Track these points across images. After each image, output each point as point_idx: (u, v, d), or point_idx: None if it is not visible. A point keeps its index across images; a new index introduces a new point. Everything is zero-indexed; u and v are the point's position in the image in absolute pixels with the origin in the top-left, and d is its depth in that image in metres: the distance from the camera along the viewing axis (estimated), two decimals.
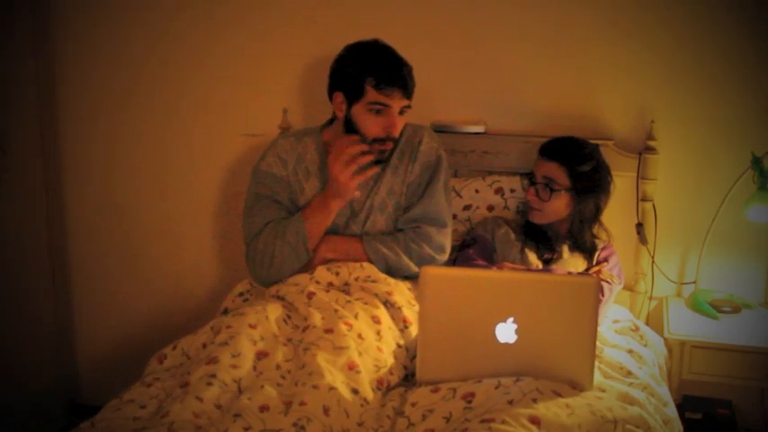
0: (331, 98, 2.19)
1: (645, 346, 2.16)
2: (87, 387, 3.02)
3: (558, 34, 2.46)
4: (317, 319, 1.87)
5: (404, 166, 2.23)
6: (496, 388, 1.61)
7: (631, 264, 2.45)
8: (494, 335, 1.66)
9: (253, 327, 1.83)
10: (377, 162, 2.17)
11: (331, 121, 2.28)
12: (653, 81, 2.42)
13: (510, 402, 1.54)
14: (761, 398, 2.43)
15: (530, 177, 2.29)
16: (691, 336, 2.23)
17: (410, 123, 2.25)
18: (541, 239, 2.28)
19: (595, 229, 2.31)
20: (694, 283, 2.47)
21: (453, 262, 2.34)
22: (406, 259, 2.15)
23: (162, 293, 2.88)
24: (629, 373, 1.91)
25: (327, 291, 2.04)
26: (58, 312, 2.93)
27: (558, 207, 2.23)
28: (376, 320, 1.91)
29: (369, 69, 2.08)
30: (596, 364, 1.80)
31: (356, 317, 1.89)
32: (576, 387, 1.64)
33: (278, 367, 1.74)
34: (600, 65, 2.45)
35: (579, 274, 2.20)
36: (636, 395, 1.73)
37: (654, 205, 2.41)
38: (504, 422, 1.46)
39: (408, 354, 1.90)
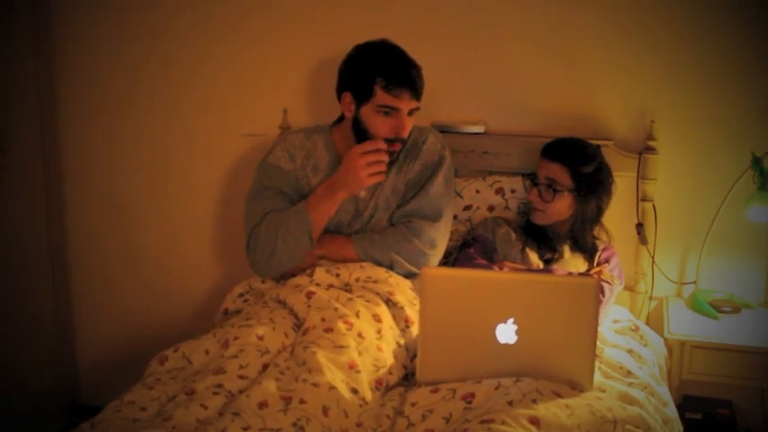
0: (339, 98, 2.18)
1: (645, 346, 2.16)
2: (87, 387, 3.02)
3: (559, 34, 2.46)
4: (316, 319, 1.87)
5: (407, 166, 2.24)
6: (496, 388, 1.61)
7: (631, 264, 2.45)
8: (494, 335, 1.66)
9: (260, 338, 1.82)
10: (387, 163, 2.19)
11: (340, 120, 2.28)
12: (653, 81, 2.42)
13: (510, 403, 1.54)
14: (761, 398, 2.43)
15: (532, 178, 2.30)
16: (691, 336, 2.23)
17: (418, 125, 2.25)
18: (542, 239, 2.28)
19: (596, 231, 2.31)
20: (694, 283, 2.47)
21: (454, 261, 2.34)
22: (396, 257, 2.14)
23: (162, 293, 2.88)
24: (629, 373, 1.91)
25: (327, 290, 2.03)
26: (58, 312, 2.93)
27: (560, 208, 2.24)
28: (377, 319, 1.91)
29: (378, 70, 2.07)
30: (596, 364, 1.80)
31: (357, 314, 1.89)
32: (576, 388, 1.64)
33: (276, 365, 1.74)
34: (600, 65, 2.45)
35: (580, 274, 2.20)
36: (636, 395, 1.73)
37: (654, 205, 2.41)
38: (503, 423, 1.46)
39: (409, 353, 1.90)
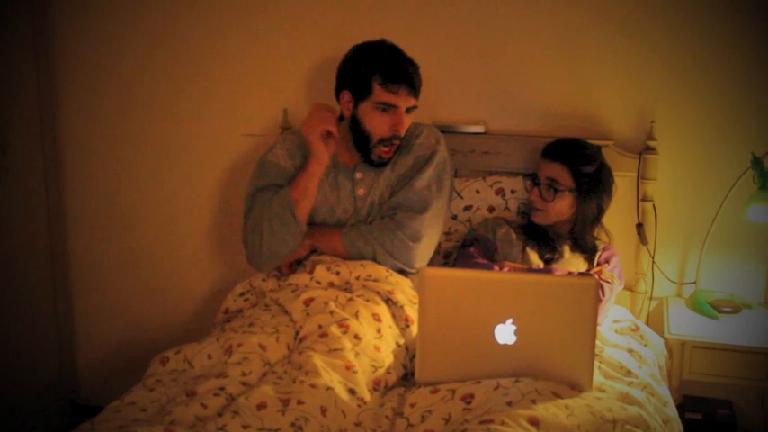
0: (338, 97, 2.20)
1: (645, 346, 2.16)
2: (87, 387, 3.02)
3: (559, 34, 2.46)
4: (312, 326, 1.87)
5: (401, 161, 2.24)
6: (495, 389, 1.61)
7: (631, 264, 2.45)
8: (493, 336, 1.66)
9: (263, 348, 1.82)
10: (382, 163, 2.20)
11: (340, 119, 2.28)
12: (653, 81, 2.42)
13: (509, 403, 1.54)
14: (761, 398, 2.43)
15: (533, 178, 2.30)
16: (691, 336, 2.23)
17: (415, 122, 2.25)
18: (543, 239, 2.28)
19: (596, 231, 2.31)
20: (694, 283, 2.47)
21: (454, 261, 2.34)
22: (379, 249, 2.14)
23: (162, 293, 2.88)
24: (630, 373, 1.90)
25: (326, 290, 2.04)
26: (58, 312, 2.93)
27: (561, 208, 2.24)
28: (377, 318, 1.92)
29: (375, 67, 2.10)
30: (596, 363, 1.80)
31: (357, 314, 1.89)
32: (576, 388, 1.64)
33: (274, 371, 1.74)
34: (600, 65, 2.45)
35: (580, 274, 2.20)
36: (636, 395, 1.73)
37: (654, 205, 2.41)
38: (503, 423, 1.46)
39: (408, 353, 1.90)
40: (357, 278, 2.09)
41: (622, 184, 2.36)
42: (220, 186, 2.78)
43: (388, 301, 1.99)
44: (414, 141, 2.25)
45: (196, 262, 2.85)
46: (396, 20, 2.52)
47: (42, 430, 2.83)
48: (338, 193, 2.24)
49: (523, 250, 2.26)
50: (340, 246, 2.18)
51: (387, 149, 2.18)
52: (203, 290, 2.85)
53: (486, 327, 1.66)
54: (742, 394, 2.43)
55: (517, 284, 1.71)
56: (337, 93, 2.20)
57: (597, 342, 1.82)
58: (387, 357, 1.84)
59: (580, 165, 2.22)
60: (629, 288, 2.45)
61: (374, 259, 2.15)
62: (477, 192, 2.46)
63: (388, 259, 2.14)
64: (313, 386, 1.62)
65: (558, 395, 1.59)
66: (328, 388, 1.63)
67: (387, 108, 2.12)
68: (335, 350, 1.77)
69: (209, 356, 1.82)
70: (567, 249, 2.28)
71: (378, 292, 2.01)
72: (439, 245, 2.45)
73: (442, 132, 2.38)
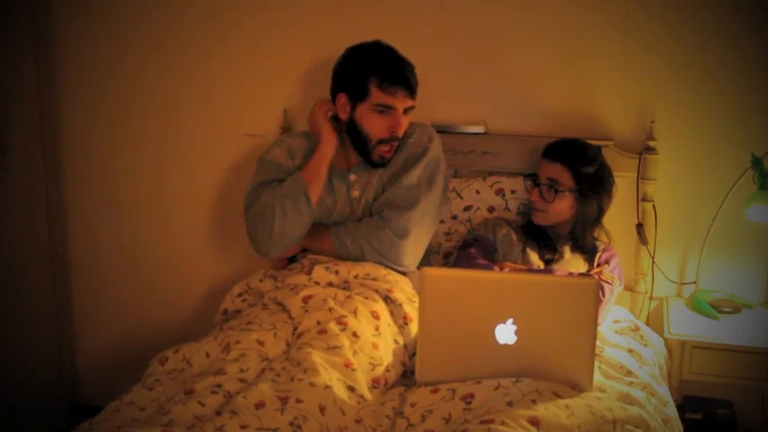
0: (334, 100, 2.19)
1: (645, 346, 2.16)
2: (87, 387, 3.02)
3: (559, 35, 2.46)
4: (311, 322, 1.87)
5: (394, 160, 2.24)
6: (496, 389, 1.61)
7: (631, 264, 2.45)
8: (493, 336, 1.66)
9: (261, 344, 1.82)
10: (384, 163, 2.20)
11: (336, 121, 2.28)
12: (653, 81, 2.42)
13: (509, 403, 1.54)
14: (761, 398, 2.43)
15: (533, 179, 2.30)
16: (691, 336, 2.23)
17: (411, 122, 2.25)
18: (543, 240, 2.28)
19: (596, 232, 2.31)
20: (694, 283, 2.47)
21: (454, 261, 2.34)
22: (366, 246, 2.14)
23: (162, 293, 2.88)
24: (630, 373, 1.91)
25: (325, 288, 2.04)
26: (58, 312, 2.93)
27: (561, 208, 2.24)
28: (375, 316, 1.92)
29: (372, 69, 2.10)
30: (596, 363, 1.80)
31: (355, 312, 1.89)
32: (576, 388, 1.64)
33: (272, 369, 1.74)
34: (600, 65, 2.45)
35: (580, 274, 2.20)
36: (636, 395, 1.73)
37: (654, 205, 2.41)
38: (503, 423, 1.46)
39: (407, 351, 1.90)
40: (356, 277, 2.09)
41: (622, 184, 2.36)
42: (220, 186, 2.78)
43: (387, 299, 1.99)
44: (406, 140, 2.24)
45: (196, 262, 2.84)
46: (396, 20, 2.53)
47: (42, 430, 2.83)
48: (334, 196, 2.23)
49: (524, 251, 2.27)
50: (329, 244, 2.18)
51: (387, 149, 2.17)
52: (203, 290, 2.85)
53: (486, 327, 1.66)
54: (742, 394, 2.44)
55: (517, 285, 1.71)
56: (333, 95, 2.20)
57: (597, 342, 1.81)
58: (385, 355, 1.84)
59: (580, 165, 2.22)
60: (629, 288, 2.45)
61: (362, 257, 2.15)
62: (477, 192, 2.46)
63: (375, 256, 2.14)
64: (312, 384, 1.62)
65: (558, 395, 1.59)
66: (327, 386, 1.63)
67: (384, 110, 2.12)
68: (334, 348, 1.77)
69: (208, 355, 1.82)
70: (567, 250, 2.28)
71: (376, 290, 2.01)
72: (439, 245, 2.45)
73: (443, 133, 2.38)
